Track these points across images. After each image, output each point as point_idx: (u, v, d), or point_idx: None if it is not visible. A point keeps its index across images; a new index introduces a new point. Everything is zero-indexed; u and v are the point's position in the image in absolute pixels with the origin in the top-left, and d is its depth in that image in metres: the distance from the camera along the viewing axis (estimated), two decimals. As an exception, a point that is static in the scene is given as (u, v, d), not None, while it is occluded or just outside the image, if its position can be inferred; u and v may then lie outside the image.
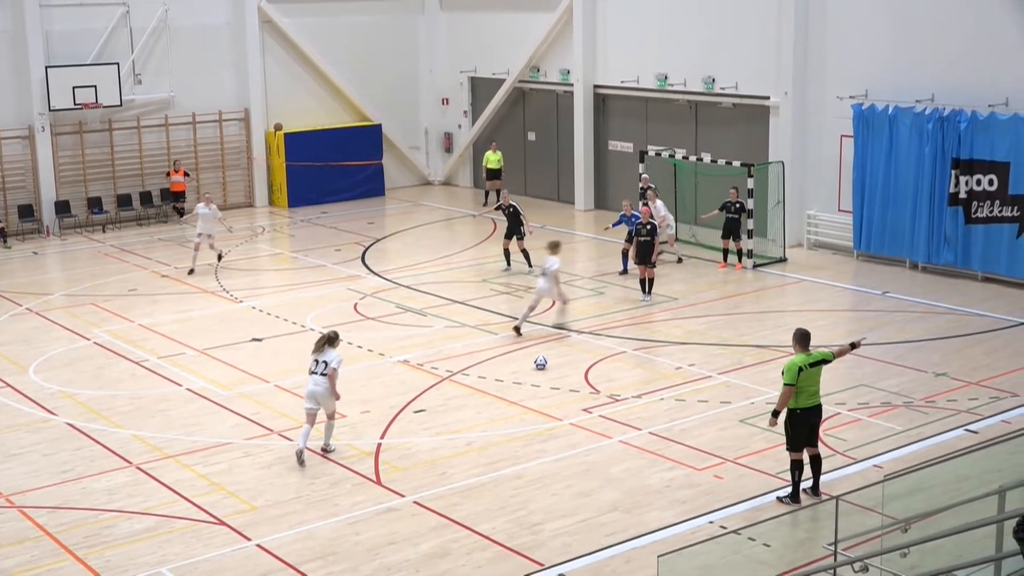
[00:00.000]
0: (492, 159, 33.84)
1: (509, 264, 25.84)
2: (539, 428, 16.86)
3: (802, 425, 14.15)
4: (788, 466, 14.40)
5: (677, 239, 27.49)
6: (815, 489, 14.40)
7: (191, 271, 26.12)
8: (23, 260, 28.97)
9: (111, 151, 32.73)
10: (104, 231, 31.95)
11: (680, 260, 26.02)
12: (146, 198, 33.12)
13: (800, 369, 13.94)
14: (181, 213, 31.91)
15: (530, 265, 25.64)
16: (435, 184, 37.93)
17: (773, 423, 14.31)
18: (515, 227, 25.52)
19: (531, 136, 35.44)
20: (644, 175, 27.83)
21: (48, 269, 28.47)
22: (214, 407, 18.10)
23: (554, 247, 21.23)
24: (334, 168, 35.26)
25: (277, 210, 34.69)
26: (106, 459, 16.14)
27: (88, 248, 30.06)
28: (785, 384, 13.97)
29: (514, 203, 25.70)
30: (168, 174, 32.60)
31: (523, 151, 35.68)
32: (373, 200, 35.57)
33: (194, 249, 26.17)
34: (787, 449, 14.33)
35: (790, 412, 14.11)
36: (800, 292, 23.94)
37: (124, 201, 32.81)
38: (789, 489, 14.35)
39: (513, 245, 25.69)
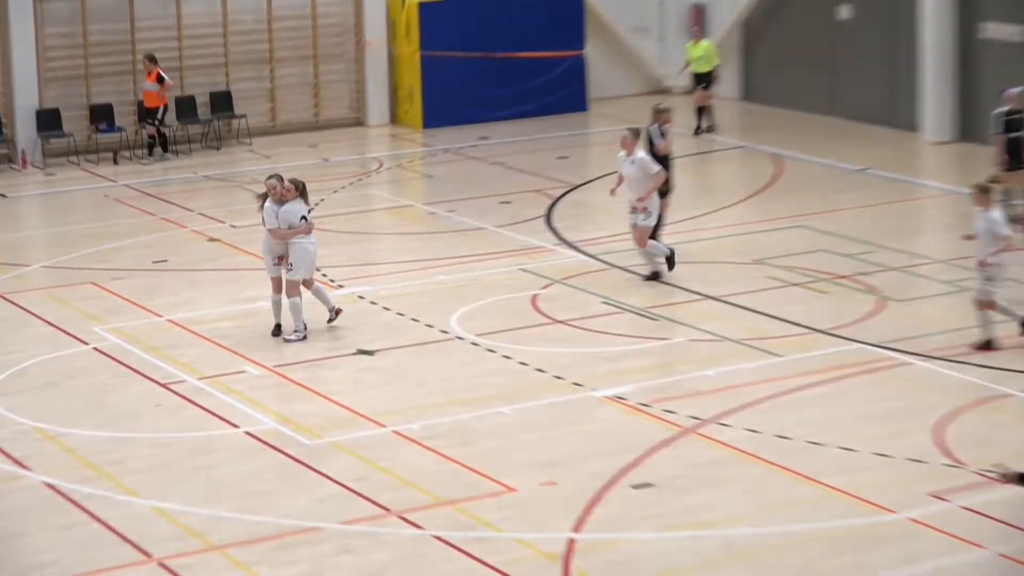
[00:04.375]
0: (695, 54, 27.85)
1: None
2: (854, 523, 12.42)
3: None
4: None
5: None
6: None
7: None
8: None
9: (131, 27, 26.42)
10: (116, 161, 25.92)
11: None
12: (187, 106, 26.54)
13: None
14: (164, 146, 25.73)
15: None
16: (674, 91, 30.61)
17: None
18: None
19: (844, 12, 28.86)
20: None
21: (22, 223, 23.89)
22: (295, 467, 13.92)
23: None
24: (502, 62, 28.89)
25: (405, 132, 28.56)
26: (112, 548, 12.22)
27: (89, 189, 25.05)
28: None
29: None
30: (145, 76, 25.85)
31: (829, 38, 28.92)
32: (568, 118, 29.23)
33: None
34: None
35: None
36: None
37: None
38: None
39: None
